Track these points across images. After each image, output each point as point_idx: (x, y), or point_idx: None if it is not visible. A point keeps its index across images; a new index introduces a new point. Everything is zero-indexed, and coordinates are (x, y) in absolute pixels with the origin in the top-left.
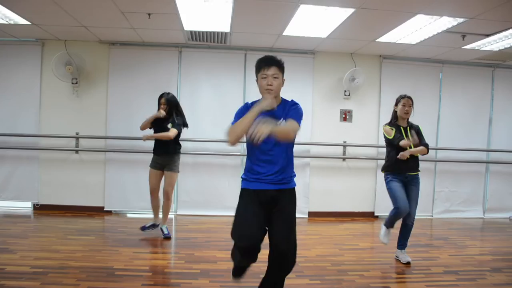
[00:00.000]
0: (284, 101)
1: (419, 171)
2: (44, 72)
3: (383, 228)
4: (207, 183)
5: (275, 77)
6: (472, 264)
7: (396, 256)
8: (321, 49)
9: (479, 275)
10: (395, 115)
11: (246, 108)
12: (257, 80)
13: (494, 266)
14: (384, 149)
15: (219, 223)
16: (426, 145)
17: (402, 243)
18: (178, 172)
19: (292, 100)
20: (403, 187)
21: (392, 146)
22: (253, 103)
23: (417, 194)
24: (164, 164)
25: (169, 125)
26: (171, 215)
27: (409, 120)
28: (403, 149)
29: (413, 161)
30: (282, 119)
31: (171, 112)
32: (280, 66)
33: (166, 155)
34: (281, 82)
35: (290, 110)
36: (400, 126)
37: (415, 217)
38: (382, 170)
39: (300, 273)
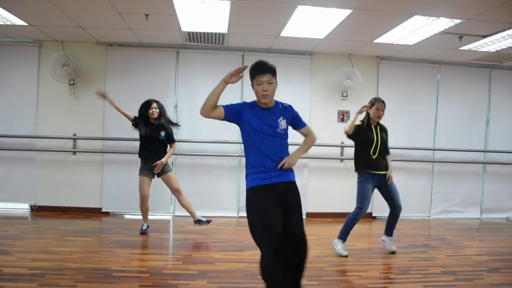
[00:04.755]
0: (277, 102)
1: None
2: (41, 73)
3: (339, 243)
4: (205, 184)
5: (269, 83)
6: (469, 265)
7: (383, 240)
8: (319, 50)
9: (476, 275)
10: (367, 116)
11: (243, 105)
12: (252, 86)
13: (491, 267)
14: None
15: (216, 224)
16: (389, 152)
17: (390, 229)
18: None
19: (290, 106)
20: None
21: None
22: (252, 102)
23: (396, 187)
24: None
25: (162, 133)
26: (168, 216)
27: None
28: (369, 142)
29: (382, 162)
30: (281, 117)
31: (160, 117)
32: (273, 72)
33: (157, 160)
34: (275, 86)
35: (299, 121)
36: (372, 125)
37: (412, 217)
38: (356, 170)
39: None
